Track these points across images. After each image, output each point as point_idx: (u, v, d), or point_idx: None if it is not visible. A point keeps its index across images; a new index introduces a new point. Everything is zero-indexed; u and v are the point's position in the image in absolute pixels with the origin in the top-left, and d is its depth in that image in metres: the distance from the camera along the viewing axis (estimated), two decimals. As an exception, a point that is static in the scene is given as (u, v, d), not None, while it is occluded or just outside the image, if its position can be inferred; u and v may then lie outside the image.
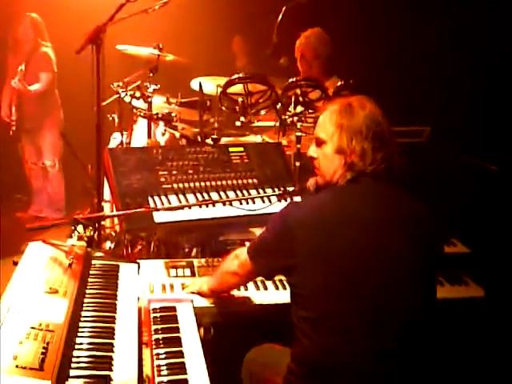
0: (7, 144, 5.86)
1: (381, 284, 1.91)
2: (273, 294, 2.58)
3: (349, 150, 2.01)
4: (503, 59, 3.55)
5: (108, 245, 4.11)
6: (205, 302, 2.43)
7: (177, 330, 2.16)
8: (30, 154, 5.85)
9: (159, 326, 2.15)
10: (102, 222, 3.85)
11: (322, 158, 2.13)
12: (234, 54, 6.82)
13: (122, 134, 4.28)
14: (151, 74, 4.02)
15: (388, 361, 1.90)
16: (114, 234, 4.07)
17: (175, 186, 2.90)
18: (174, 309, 2.29)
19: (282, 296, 2.51)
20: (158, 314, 2.23)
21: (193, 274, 2.64)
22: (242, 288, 2.57)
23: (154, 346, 2.03)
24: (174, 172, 2.93)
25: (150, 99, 3.94)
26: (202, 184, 2.95)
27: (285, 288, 2.58)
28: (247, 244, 2.25)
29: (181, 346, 2.06)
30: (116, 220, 4.10)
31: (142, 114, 4.07)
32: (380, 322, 1.89)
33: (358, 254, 1.92)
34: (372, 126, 2.01)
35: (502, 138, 3.42)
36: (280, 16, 3.94)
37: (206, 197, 2.92)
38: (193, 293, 2.47)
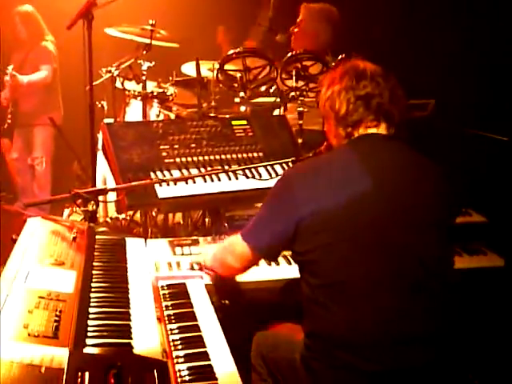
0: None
1: (392, 242, 1.80)
2: (285, 269, 2.44)
3: (331, 99, 1.93)
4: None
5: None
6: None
7: (190, 305, 2.03)
8: (18, 150, 5.61)
9: (169, 303, 2.02)
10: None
11: (326, 125, 2.04)
12: (218, 44, 6.69)
13: (115, 119, 4.13)
14: (144, 52, 3.87)
15: (412, 321, 1.80)
16: (109, 221, 3.92)
17: (178, 160, 2.75)
18: (184, 285, 2.17)
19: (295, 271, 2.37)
20: (167, 291, 2.10)
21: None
22: None
23: (167, 322, 1.90)
24: (176, 146, 2.78)
25: (144, 77, 3.78)
26: (206, 158, 2.80)
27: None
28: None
29: (196, 321, 1.93)
30: (110, 206, 3.97)
31: (135, 94, 3.91)
32: (395, 283, 1.79)
33: (366, 210, 1.80)
34: (350, 70, 1.94)
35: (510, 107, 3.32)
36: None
37: (211, 171, 2.77)
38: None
